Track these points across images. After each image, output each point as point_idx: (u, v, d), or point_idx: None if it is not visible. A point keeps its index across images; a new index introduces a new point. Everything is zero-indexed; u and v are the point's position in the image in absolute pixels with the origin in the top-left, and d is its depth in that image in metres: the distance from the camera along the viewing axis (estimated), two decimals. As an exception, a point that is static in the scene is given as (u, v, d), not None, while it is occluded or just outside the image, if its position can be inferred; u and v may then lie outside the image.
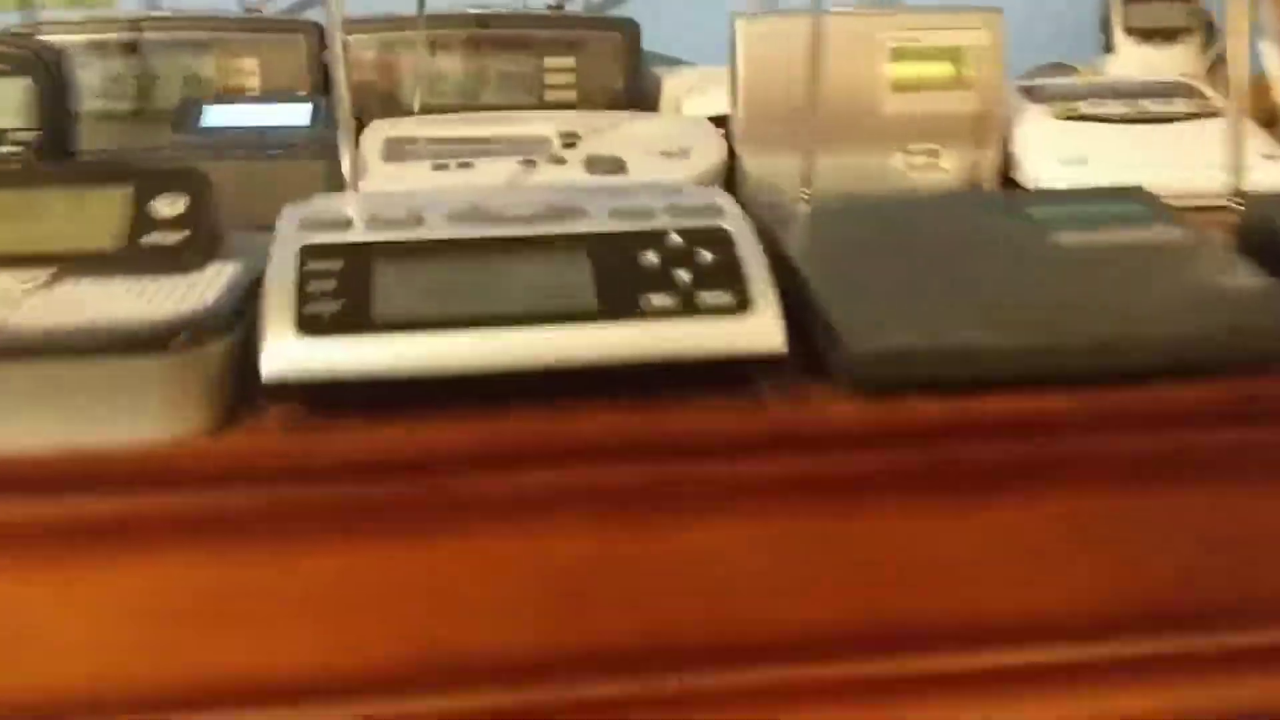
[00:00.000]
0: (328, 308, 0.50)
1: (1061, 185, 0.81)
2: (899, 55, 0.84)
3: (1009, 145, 0.87)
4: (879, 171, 0.85)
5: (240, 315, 0.52)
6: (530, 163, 0.79)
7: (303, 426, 0.50)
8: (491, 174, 0.77)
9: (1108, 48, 1.09)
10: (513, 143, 0.83)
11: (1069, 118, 0.88)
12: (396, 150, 0.81)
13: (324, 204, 0.58)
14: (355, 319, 0.50)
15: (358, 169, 0.64)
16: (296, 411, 0.50)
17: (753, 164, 0.84)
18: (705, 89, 0.95)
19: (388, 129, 0.84)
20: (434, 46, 0.93)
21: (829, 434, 0.51)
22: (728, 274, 0.53)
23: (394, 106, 0.91)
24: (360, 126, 0.85)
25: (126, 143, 0.80)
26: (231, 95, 0.92)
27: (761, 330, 0.52)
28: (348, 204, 0.58)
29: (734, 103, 0.85)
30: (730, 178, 0.83)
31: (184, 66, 0.91)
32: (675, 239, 0.55)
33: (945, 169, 0.85)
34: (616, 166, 0.79)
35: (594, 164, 0.79)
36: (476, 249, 0.54)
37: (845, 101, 0.83)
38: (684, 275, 0.53)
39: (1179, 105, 0.89)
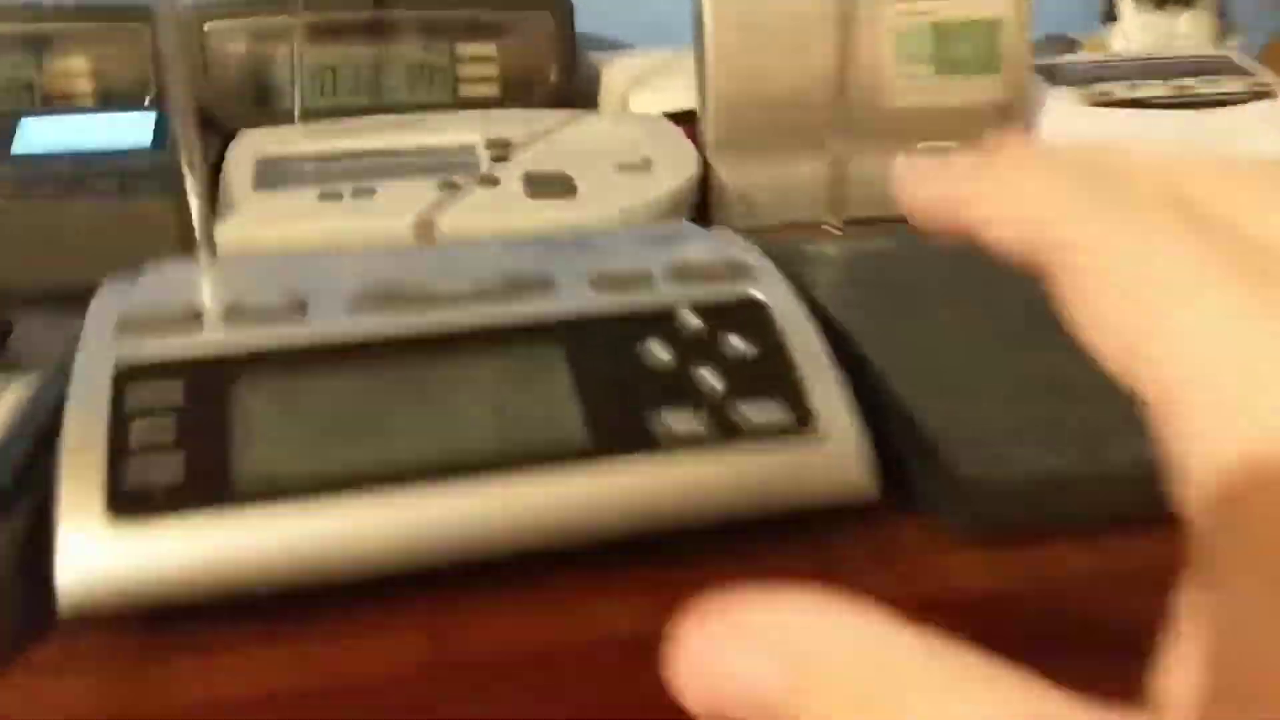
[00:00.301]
0: (160, 472, 0.31)
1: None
2: (907, 34, 0.68)
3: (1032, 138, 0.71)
4: (881, 177, 0.68)
5: (22, 487, 0.33)
6: (452, 185, 0.60)
7: (127, 666, 0.31)
8: (401, 203, 0.59)
9: (1110, 16, 0.95)
10: (427, 156, 0.65)
11: (1102, 103, 0.73)
12: (272, 172, 0.62)
13: (156, 284, 0.39)
14: (205, 488, 0.31)
15: (209, 219, 0.45)
16: (116, 642, 0.31)
17: (732, 177, 0.66)
18: (656, 80, 0.78)
19: (261, 143, 0.65)
20: (318, 33, 0.74)
21: (953, 599, 0.34)
22: (774, 370, 0.36)
23: (270, 111, 0.72)
24: (224, 141, 0.65)
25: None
26: (58, 104, 0.72)
27: (837, 460, 0.35)
28: (193, 281, 0.39)
29: (702, 98, 0.68)
30: (702, 194, 0.66)
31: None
32: (690, 319, 0.37)
33: (963, 172, 0.69)
34: (565, 187, 0.61)
35: (536, 185, 0.61)
36: (395, 356, 0.36)
37: (826, 96, 0.66)
38: (710, 377, 0.36)
39: (1228, 84, 0.74)
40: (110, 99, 0.72)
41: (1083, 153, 0.21)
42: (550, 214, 0.59)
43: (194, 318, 0.36)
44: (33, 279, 0.54)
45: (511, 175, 0.62)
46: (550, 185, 0.61)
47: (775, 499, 0.35)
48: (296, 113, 0.71)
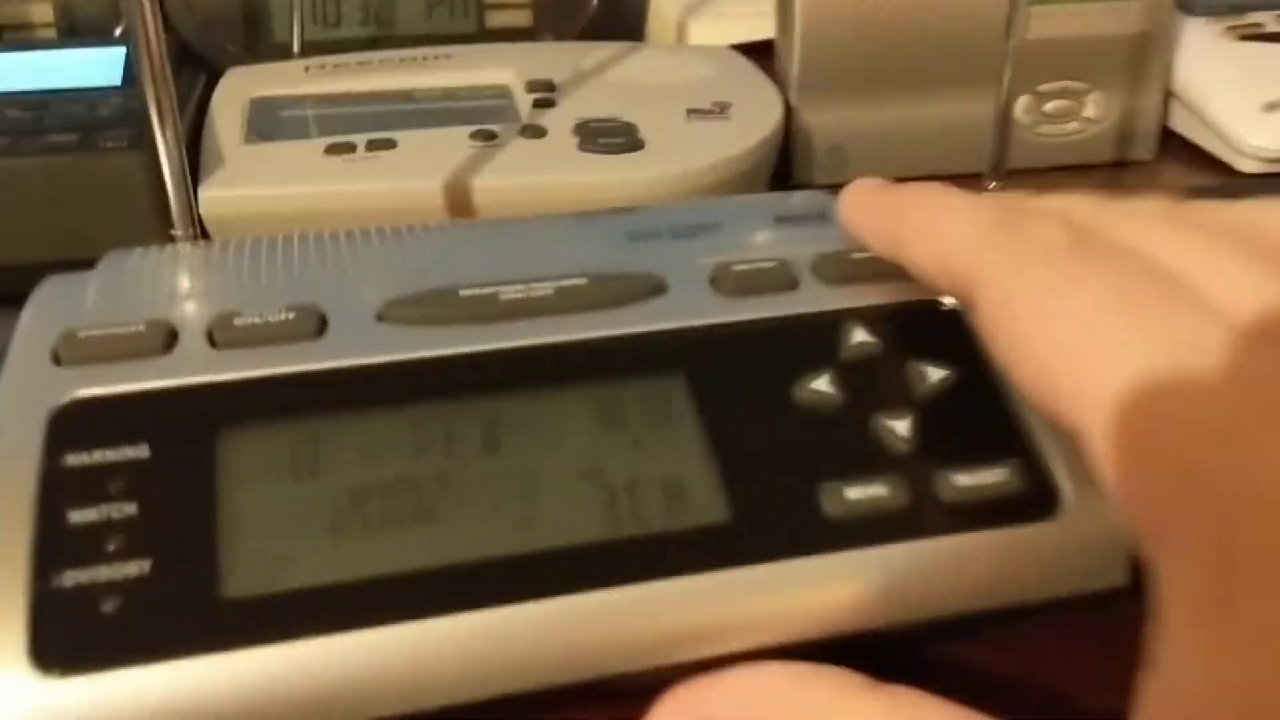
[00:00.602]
0: (110, 598, 0.21)
1: (1270, 146, 0.55)
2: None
3: (1169, 82, 0.60)
4: (986, 124, 0.57)
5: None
6: (488, 135, 0.49)
7: None
8: (426, 158, 0.48)
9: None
10: (454, 99, 0.53)
11: (1250, 36, 0.62)
12: (268, 120, 0.51)
13: (113, 283, 0.28)
14: (180, 623, 0.21)
15: (186, 182, 0.34)
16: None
17: (821, 125, 0.55)
18: (720, 4, 0.66)
19: (253, 83, 0.54)
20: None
21: None
22: (985, 412, 0.26)
23: (263, 45, 0.60)
24: (210, 81, 0.54)
25: None
26: (14, 38, 0.61)
27: (1084, 546, 0.24)
28: (165, 279, 0.28)
29: (785, 25, 0.56)
30: (784, 148, 0.55)
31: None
32: (859, 336, 0.27)
33: (1090, 119, 0.58)
34: (628, 139, 0.49)
35: (591, 135, 0.49)
36: (450, 399, 0.25)
37: (943, 24, 0.55)
38: (898, 426, 0.25)
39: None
40: (74, 31, 0.61)
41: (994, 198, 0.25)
42: (610, 173, 0.48)
43: (165, 338, 0.26)
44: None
45: (560, 123, 0.51)
46: (610, 136, 0.50)
47: (994, 600, 0.24)
48: (296, 46, 0.60)
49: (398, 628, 0.21)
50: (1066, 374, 0.19)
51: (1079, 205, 0.23)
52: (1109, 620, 0.25)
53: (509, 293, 0.28)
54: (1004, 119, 0.42)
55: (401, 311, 0.27)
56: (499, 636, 0.22)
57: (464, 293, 0.27)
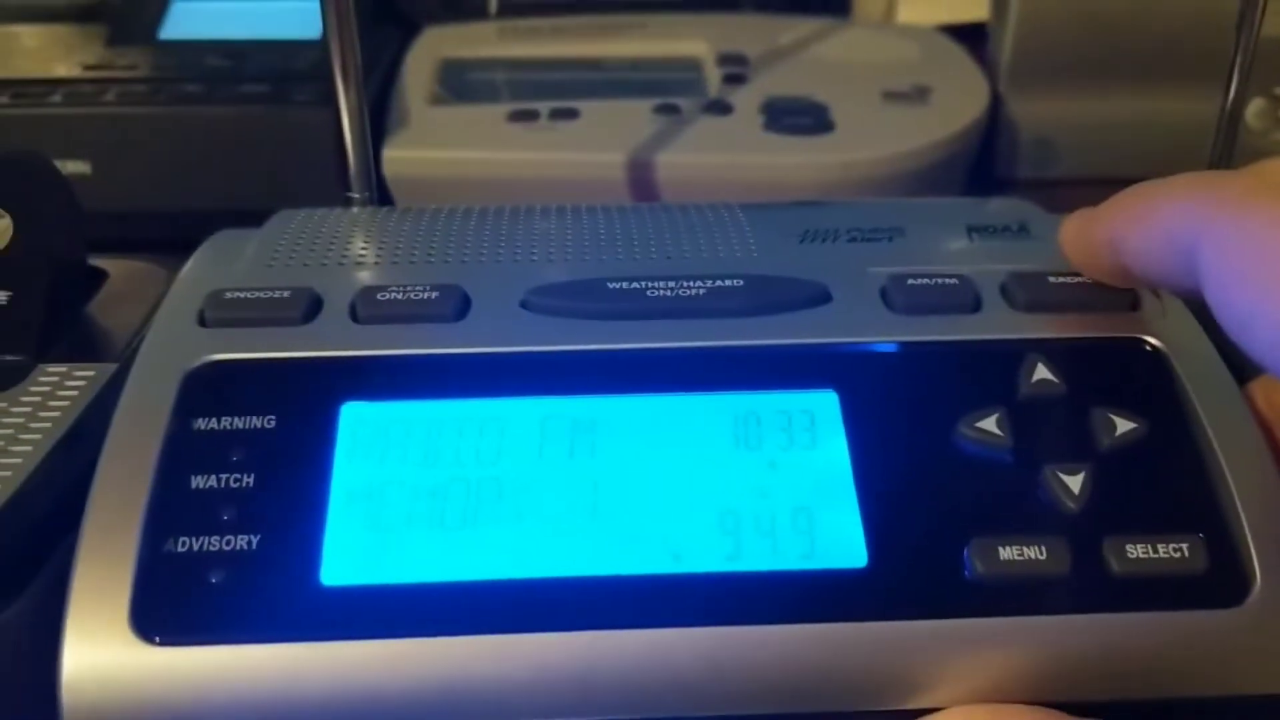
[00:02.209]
0: (218, 570, 0.21)
1: None
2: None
3: None
4: (1211, 126, 0.51)
5: (38, 556, 0.23)
6: (671, 110, 0.48)
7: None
8: (608, 130, 0.46)
9: None
10: (643, 70, 0.52)
11: None
12: (457, 81, 0.51)
13: (272, 245, 0.28)
14: (280, 588, 0.21)
15: (365, 143, 0.34)
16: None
17: (1031, 116, 0.51)
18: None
19: (447, 43, 0.54)
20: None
21: None
22: (1177, 477, 0.23)
23: (462, 2, 0.60)
24: (406, 38, 0.54)
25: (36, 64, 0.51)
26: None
27: (1268, 639, 0.21)
28: (322, 243, 0.28)
29: (999, 7, 0.52)
30: (988, 139, 0.51)
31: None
32: (1042, 374, 0.24)
33: (1339, 128, 0.52)
34: (816, 121, 0.47)
35: (779, 114, 0.47)
36: (577, 397, 0.24)
37: (1171, 13, 0.50)
38: (1071, 483, 0.22)
39: None
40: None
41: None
42: (795, 155, 0.46)
43: (308, 306, 0.25)
44: (161, 202, 0.44)
45: (748, 100, 0.49)
46: (797, 116, 0.47)
47: (1157, 691, 0.21)
48: (493, 6, 0.59)
49: (485, 639, 0.20)
50: None
51: None
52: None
53: (658, 289, 0.26)
54: (1232, 119, 0.37)
55: (545, 301, 0.26)
56: (589, 661, 0.20)
57: (611, 285, 0.26)
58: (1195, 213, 0.21)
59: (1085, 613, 0.21)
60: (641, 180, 0.46)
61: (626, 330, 0.25)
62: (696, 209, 0.31)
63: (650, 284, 0.26)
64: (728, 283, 0.26)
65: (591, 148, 0.46)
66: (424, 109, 0.48)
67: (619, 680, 0.21)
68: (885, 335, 0.25)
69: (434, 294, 0.25)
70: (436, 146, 0.46)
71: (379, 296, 0.25)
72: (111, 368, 0.28)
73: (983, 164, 0.52)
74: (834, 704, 0.21)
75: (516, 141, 0.46)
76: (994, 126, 0.51)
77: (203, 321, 0.25)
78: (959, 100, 0.50)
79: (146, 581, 0.21)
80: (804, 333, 0.25)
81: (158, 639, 0.20)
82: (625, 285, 0.26)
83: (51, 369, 0.28)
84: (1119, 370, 0.24)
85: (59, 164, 0.33)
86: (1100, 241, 0.24)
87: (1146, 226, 0.22)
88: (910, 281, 0.26)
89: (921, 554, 0.22)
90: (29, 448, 0.25)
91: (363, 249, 0.28)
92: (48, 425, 0.25)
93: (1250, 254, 0.19)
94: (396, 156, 0.46)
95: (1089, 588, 0.21)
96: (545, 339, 0.25)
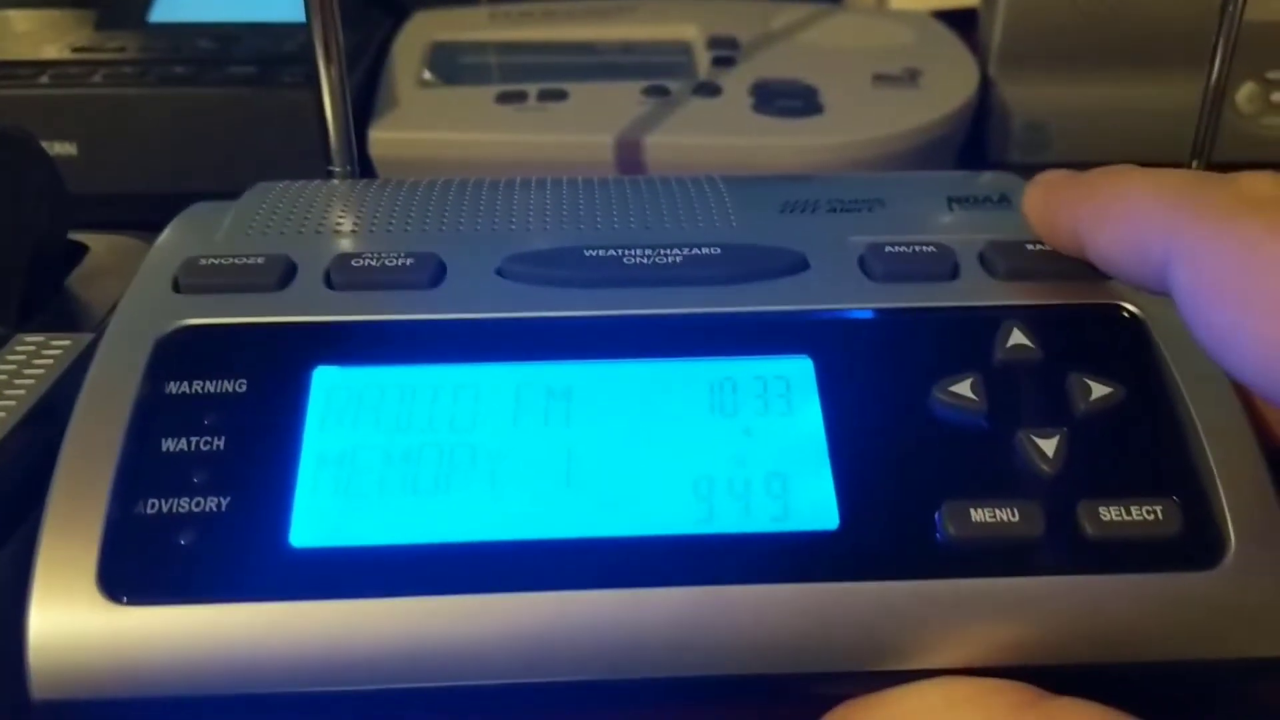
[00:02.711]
0: (187, 532, 0.21)
1: None
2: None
3: None
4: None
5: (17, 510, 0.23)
6: (661, 92, 0.48)
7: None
8: (595, 111, 0.46)
9: None
10: (633, 53, 0.52)
11: None
12: (446, 63, 0.51)
13: (246, 216, 0.28)
14: (250, 549, 0.21)
15: (346, 121, 0.34)
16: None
17: (1021, 100, 0.51)
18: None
19: (437, 26, 0.54)
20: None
21: None
22: (1152, 440, 0.23)
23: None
24: (397, 21, 0.54)
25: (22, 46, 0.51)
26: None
27: (1250, 606, 0.21)
28: (298, 213, 0.28)
29: (990, -8, 0.52)
30: (978, 122, 0.51)
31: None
32: (1018, 339, 0.24)
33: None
34: (805, 103, 0.47)
35: (768, 97, 0.47)
36: (561, 361, 0.24)
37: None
38: (1045, 446, 0.22)
39: None
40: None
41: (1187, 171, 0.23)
42: (784, 136, 0.46)
43: (282, 273, 0.25)
44: (148, 183, 0.44)
45: (737, 83, 0.48)
46: (787, 98, 0.47)
47: (1130, 655, 0.21)
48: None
49: (455, 599, 0.20)
50: None
51: None
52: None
53: (635, 257, 0.26)
54: (1215, 102, 0.37)
55: (522, 268, 0.26)
56: (560, 621, 0.20)
57: (588, 253, 0.26)
58: (1169, 223, 0.20)
59: (1058, 575, 0.21)
60: (630, 161, 0.46)
61: (603, 297, 0.25)
62: (678, 181, 0.30)
63: (627, 252, 0.26)
64: (705, 251, 0.26)
65: (580, 129, 0.46)
66: (412, 91, 0.48)
67: (589, 639, 0.20)
68: (862, 302, 0.25)
69: (409, 261, 0.25)
70: (423, 127, 0.46)
71: (354, 263, 0.25)
72: (88, 337, 0.28)
73: (974, 148, 0.52)
74: (805, 665, 0.21)
75: (504, 123, 0.46)
76: (984, 111, 0.51)
77: (177, 288, 0.25)
78: (949, 83, 0.50)
79: (115, 542, 0.21)
80: (780, 300, 0.25)
81: (125, 598, 0.20)
82: (602, 253, 0.26)
83: (29, 338, 0.28)
84: (1096, 336, 0.24)
85: (46, 145, 0.34)
86: (1065, 227, 0.24)
87: (1116, 227, 0.22)
88: (888, 249, 0.26)
89: (894, 516, 0.22)
90: (2, 414, 0.25)
91: (339, 218, 0.28)
92: (22, 393, 0.25)
93: (1228, 272, 0.19)
94: (383, 137, 0.46)
95: (1062, 550, 0.21)
96: (521, 306, 0.25)
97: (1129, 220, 0.22)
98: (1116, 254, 0.22)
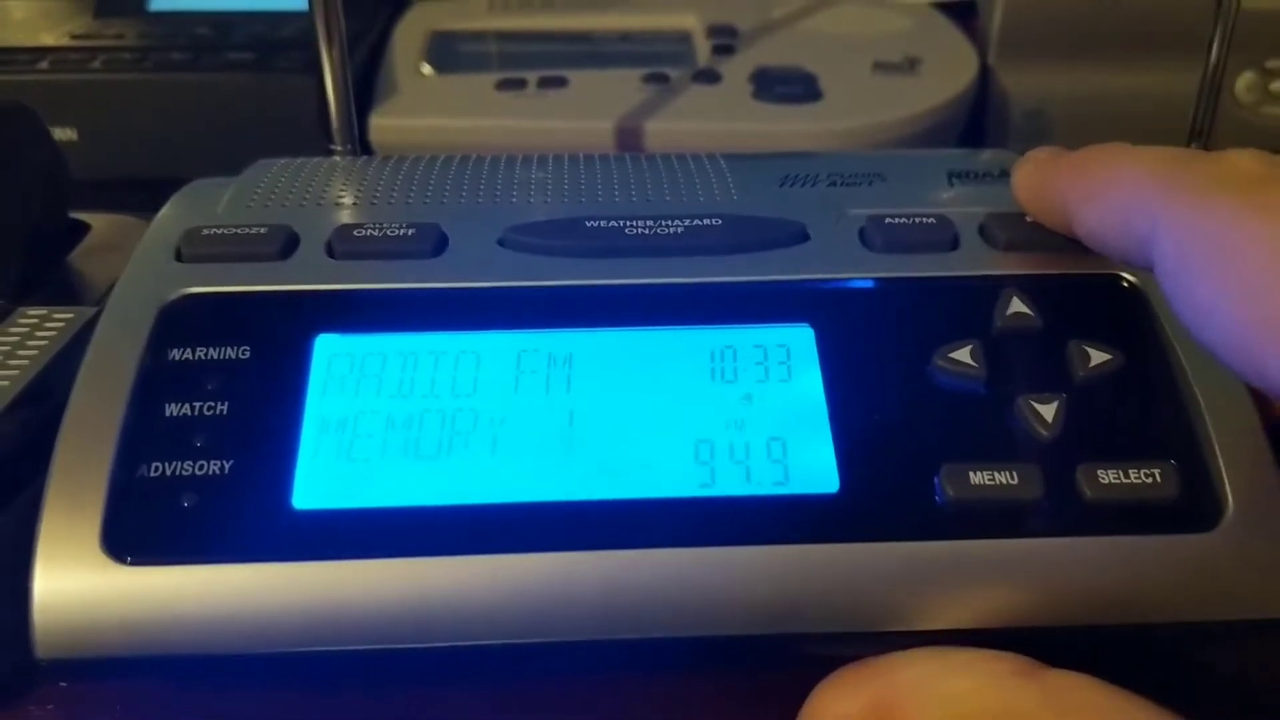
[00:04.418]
0: (189, 495, 0.21)
1: None
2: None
3: None
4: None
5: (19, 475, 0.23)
6: (660, 79, 0.48)
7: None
8: (595, 99, 0.46)
9: None
10: (633, 42, 0.52)
11: None
12: (446, 51, 0.51)
13: (249, 190, 0.28)
14: (252, 511, 0.21)
15: (347, 104, 0.34)
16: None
17: (1020, 88, 0.51)
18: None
19: (436, 15, 0.54)
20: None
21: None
22: (1151, 405, 0.23)
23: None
24: (396, 9, 0.54)
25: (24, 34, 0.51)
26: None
27: (1248, 567, 0.21)
28: (299, 188, 0.28)
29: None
30: (978, 111, 0.51)
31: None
32: (1017, 307, 0.24)
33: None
34: (805, 90, 0.47)
35: (767, 84, 0.47)
36: (562, 329, 0.24)
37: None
38: (1045, 411, 0.22)
39: None
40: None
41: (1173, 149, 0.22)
42: (784, 123, 0.46)
43: (284, 243, 0.25)
44: (147, 168, 0.44)
45: (737, 70, 0.49)
46: (786, 85, 0.47)
47: (1128, 617, 0.21)
48: (484, -20, 0.59)
49: (456, 559, 0.20)
50: (1273, 296, 0.18)
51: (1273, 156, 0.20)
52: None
53: (636, 228, 0.26)
54: (1212, 88, 0.37)
55: (523, 238, 0.26)
56: (561, 581, 0.20)
57: (590, 224, 0.26)
58: (1154, 197, 0.20)
59: (1056, 537, 0.21)
60: (629, 147, 0.46)
61: (604, 267, 0.25)
62: (679, 157, 0.31)
63: (628, 223, 0.26)
64: (706, 222, 0.26)
65: (579, 115, 0.46)
66: (412, 78, 0.48)
67: (591, 600, 0.20)
68: (862, 272, 0.25)
69: (411, 231, 0.25)
70: (423, 114, 0.46)
71: (355, 233, 0.25)
72: (90, 311, 0.28)
73: (973, 137, 0.52)
74: (806, 626, 0.21)
75: (504, 109, 0.46)
76: (984, 100, 0.52)
77: (180, 257, 0.25)
78: (948, 71, 0.50)
79: (119, 503, 0.21)
80: (781, 270, 0.25)
81: (129, 559, 0.20)
82: (604, 224, 0.26)
83: (32, 311, 0.28)
84: (1095, 304, 0.24)
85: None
86: (1054, 204, 0.24)
87: (1103, 203, 0.22)
88: (888, 221, 0.26)
89: (893, 479, 0.22)
90: (5, 383, 0.25)
91: (341, 191, 0.28)
92: (25, 363, 0.25)
93: (1209, 249, 0.19)
94: (384, 124, 0.46)
95: (1060, 513, 0.21)
96: (523, 275, 0.25)
97: (1115, 196, 0.22)
98: (1103, 230, 0.22)
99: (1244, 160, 0.20)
